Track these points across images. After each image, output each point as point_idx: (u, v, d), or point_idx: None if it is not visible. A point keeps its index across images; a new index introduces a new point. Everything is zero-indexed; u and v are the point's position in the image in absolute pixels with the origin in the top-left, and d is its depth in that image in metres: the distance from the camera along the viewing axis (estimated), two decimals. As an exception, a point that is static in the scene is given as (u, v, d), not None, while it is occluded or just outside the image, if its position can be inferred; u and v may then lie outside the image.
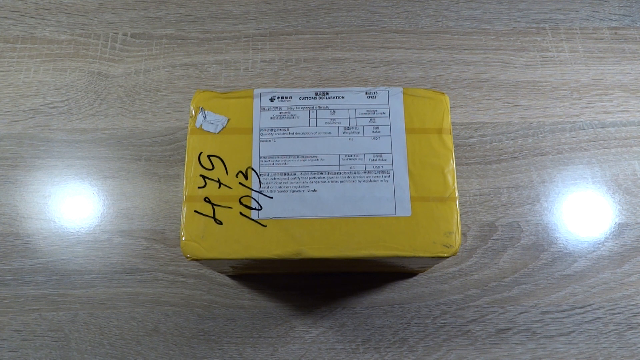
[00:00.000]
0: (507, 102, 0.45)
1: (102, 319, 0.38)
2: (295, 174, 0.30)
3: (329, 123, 0.31)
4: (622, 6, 0.48)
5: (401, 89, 0.32)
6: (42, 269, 0.39)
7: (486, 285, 0.39)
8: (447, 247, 0.29)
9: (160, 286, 0.39)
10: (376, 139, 0.31)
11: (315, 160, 0.30)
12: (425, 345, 0.38)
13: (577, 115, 0.44)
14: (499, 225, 0.41)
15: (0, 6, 0.47)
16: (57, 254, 0.40)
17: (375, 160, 0.30)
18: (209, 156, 0.30)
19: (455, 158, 0.42)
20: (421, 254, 0.29)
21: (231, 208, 0.29)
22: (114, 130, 0.43)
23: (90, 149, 0.43)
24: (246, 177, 0.30)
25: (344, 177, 0.30)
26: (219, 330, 0.38)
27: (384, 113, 0.31)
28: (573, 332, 0.38)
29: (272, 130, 0.31)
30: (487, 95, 0.45)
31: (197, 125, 0.31)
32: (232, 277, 0.39)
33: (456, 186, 0.30)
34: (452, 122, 0.44)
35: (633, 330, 0.38)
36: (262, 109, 0.31)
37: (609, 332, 0.38)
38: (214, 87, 0.45)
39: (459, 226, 0.29)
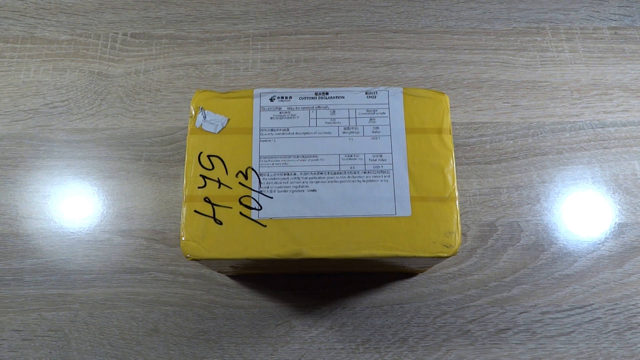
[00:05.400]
0: (507, 102, 0.45)
1: (102, 319, 0.38)
2: (295, 174, 0.30)
3: (329, 123, 0.31)
4: (622, 6, 0.48)
5: (401, 89, 0.32)
6: (42, 269, 0.39)
7: (486, 285, 0.39)
8: (447, 247, 0.29)
9: (160, 286, 0.39)
10: (376, 139, 0.31)
11: (315, 160, 0.30)
12: (425, 345, 0.38)
13: (577, 115, 0.44)
14: (499, 225, 0.41)
15: (0, 6, 0.47)
16: (57, 254, 0.40)
17: (375, 160, 0.30)
18: (209, 156, 0.30)
19: (455, 158, 0.42)
20: (421, 254, 0.29)
21: (231, 208, 0.29)
22: (114, 130, 0.43)
23: (90, 149, 0.43)
24: (246, 177, 0.30)
25: (344, 177, 0.30)
26: (219, 330, 0.38)
27: (384, 113, 0.31)
28: (573, 332, 0.38)
29: (272, 130, 0.31)
30: (487, 95, 0.45)
31: (197, 125, 0.31)
32: (232, 277, 0.39)
33: (456, 186, 0.30)
34: (452, 122, 0.44)
35: (633, 330, 0.38)
36: (262, 109, 0.31)
37: (609, 332, 0.38)
38: (214, 87, 0.45)
39: (459, 226, 0.29)
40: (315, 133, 0.31)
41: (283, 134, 0.31)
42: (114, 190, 0.42)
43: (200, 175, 0.30)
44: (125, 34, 0.46)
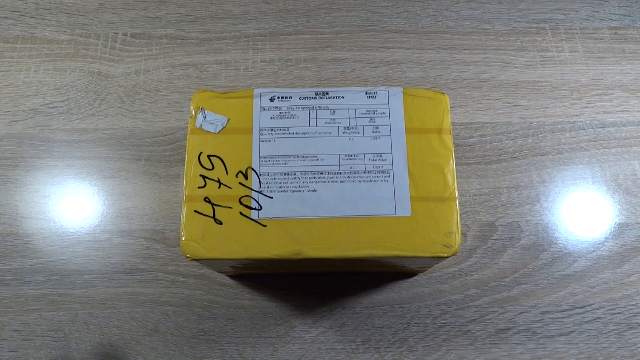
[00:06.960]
0: (507, 102, 0.45)
1: (102, 319, 0.38)
2: (295, 174, 0.30)
3: (329, 123, 0.31)
4: (622, 6, 0.48)
5: (401, 89, 0.32)
6: (42, 269, 0.39)
7: (486, 285, 0.39)
8: (447, 247, 0.29)
9: (160, 286, 0.39)
10: (376, 139, 0.31)
11: (315, 160, 0.30)
12: (425, 345, 0.38)
13: (577, 115, 0.44)
14: (499, 225, 0.41)
15: (0, 6, 0.47)
16: (57, 254, 0.40)
17: (375, 160, 0.30)
18: (209, 156, 0.30)
19: (455, 158, 0.42)
20: (421, 254, 0.29)
21: (231, 208, 0.29)
22: (114, 130, 0.43)
23: (90, 149, 0.43)
24: (246, 177, 0.30)
25: (344, 177, 0.30)
26: (219, 330, 0.38)
27: (384, 113, 0.31)
28: (573, 332, 0.38)
29: (272, 130, 0.31)
30: (487, 95, 0.45)
31: (197, 125, 0.31)
32: (232, 277, 0.39)
33: (456, 186, 0.30)
34: (452, 122, 0.44)
35: (633, 330, 0.38)
36: (262, 109, 0.31)
37: (609, 332, 0.38)
38: (214, 87, 0.45)
39: (459, 226, 0.29)
40: (315, 133, 0.31)
41: (283, 134, 0.31)
42: (114, 190, 0.42)
43: (200, 175, 0.30)
44: (125, 34, 0.46)
